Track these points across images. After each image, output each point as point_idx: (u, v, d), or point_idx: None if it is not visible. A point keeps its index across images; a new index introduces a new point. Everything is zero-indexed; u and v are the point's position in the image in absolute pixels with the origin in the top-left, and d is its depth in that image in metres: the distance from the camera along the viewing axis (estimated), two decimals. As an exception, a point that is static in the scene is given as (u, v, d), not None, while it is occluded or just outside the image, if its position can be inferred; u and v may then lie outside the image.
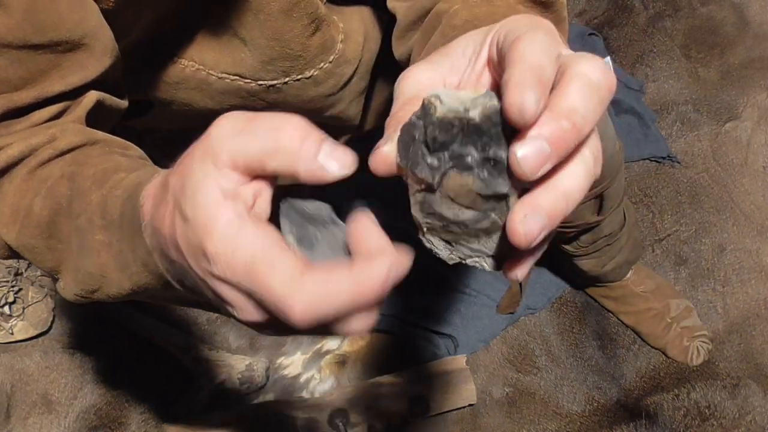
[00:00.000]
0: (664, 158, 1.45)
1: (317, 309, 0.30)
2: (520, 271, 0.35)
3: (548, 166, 0.31)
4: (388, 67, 0.77)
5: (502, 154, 0.32)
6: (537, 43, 0.32)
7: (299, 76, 0.73)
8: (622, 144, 0.94)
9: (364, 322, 0.33)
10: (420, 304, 1.36)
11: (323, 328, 0.33)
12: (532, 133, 0.30)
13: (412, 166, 0.34)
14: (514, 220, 0.32)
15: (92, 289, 0.50)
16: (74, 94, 0.55)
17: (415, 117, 0.34)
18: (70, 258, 0.51)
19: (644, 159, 1.46)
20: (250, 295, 0.33)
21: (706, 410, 1.27)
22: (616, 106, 1.47)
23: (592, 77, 0.31)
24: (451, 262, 0.37)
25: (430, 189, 0.34)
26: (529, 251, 0.35)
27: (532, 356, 1.35)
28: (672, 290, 1.31)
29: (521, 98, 0.30)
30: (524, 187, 0.33)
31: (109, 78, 0.57)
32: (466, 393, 1.30)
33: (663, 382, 1.30)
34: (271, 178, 0.35)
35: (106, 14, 0.55)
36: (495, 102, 0.32)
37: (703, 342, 1.28)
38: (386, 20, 0.79)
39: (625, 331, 1.34)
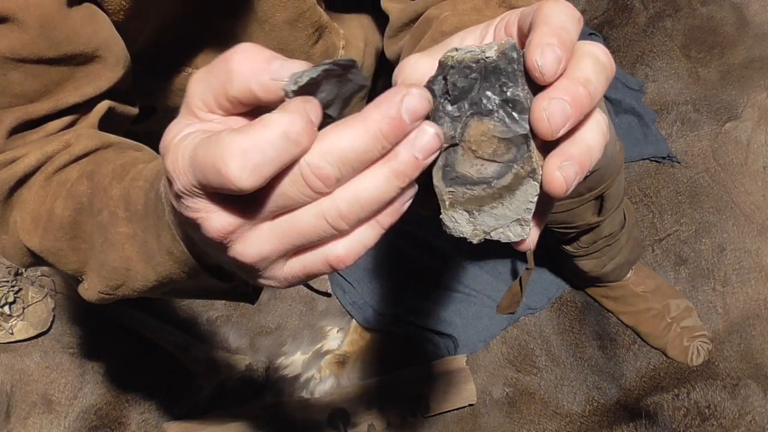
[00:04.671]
0: (664, 158, 1.45)
1: (251, 155, 0.29)
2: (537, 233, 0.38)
3: (568, 126, 0.33)
4: (389, 72, 0.78)
5: (520, 93, 0.34)
6: (560, 5, 0.34)
7: (360, 92, 0.74)
8: (622, 145, 0.94)
9: (320, 160, 0.30)
10: (420, 304, 1.36)
11: (282, 190, 0.31)
12: (556, 94, 0.32)
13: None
14: (551, 168, 0.33)
15: (117, 285, 0.51)
16: (88, 104, 0.56)
17: (431, 77, 0.35)
18: (93, 256, 0.51)
19: (644, 159, 1.46)
20: (202, 187, 0.31)
21: (706, 410, 1.27)
22: (616, 106, 1.47)
23: (601, 57, 0.34)
24: (475, 240, 0.37)
25: (452, 145, 0.35)
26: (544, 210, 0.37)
27: (532, 356, 1.35)
28: (672, 290, 1.31)
29: (542, 57, 0.32)
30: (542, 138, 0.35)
31: (122, 86, 0.58)
32: (466, 393, 1.30)
33: (663, 382, 1.30)
34: (250, 113, 0.34)
35: (115, 26, 0.56)
36: (511, 41, 0.34)
37: (703, 342, 1.29)
38: (385, 26, 0.81)
39: (625, 331, 1.34)
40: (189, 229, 0.35)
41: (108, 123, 0.58)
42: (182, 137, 0.32)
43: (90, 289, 0.53)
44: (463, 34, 0.41)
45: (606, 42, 1.57)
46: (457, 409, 1.31)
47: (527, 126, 0.34)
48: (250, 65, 0.32)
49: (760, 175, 1.43)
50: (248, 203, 0.32)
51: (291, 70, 0.31)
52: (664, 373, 1.30)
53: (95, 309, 1.42)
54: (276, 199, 0.31)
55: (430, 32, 0.56)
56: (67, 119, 0.55)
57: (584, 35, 1.52)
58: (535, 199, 0.35)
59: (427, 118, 0.34)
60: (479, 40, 0.40)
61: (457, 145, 0.35)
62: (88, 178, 0.51)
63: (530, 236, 0.37)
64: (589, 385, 1.32)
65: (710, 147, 1.46)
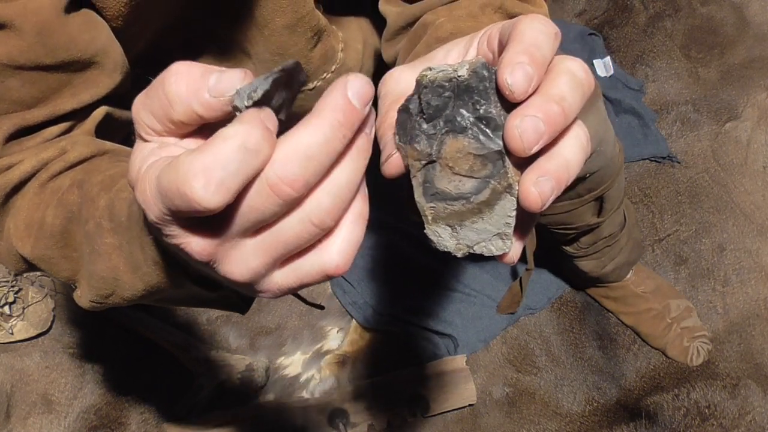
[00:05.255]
0: (664, 158, 1.45)
1: (213, 172, 0.28)
2: (519, 247, 0.38)
3: (542, 144, 0.33)
4: None
5: (493, 110, 0.34)
6: (536, 22, 0.34)
7: (302, 89, 0.74)
8: (622, 146, 0.94)
9: (285, 168, 0.30)
10: (420, 304, 1.36)
11: (250, 203, 0.30)
12: (529, 111, 0.32)
13: (410, 141, 0.35)
14: (527, 184, 0.34)
15: (106, 294, 0.51)
16: (86, 111, 0.56)
17: (409, 95, 0.36)
18: (83, 265, 0.51)
19: (644, 159, 1.46)
20: (172, 214, 0.31)
21: (706, 410, 1.27)
22: (616, 106, 1.47)
23: (577, 74, 0.34)
24: (459, 254, 0.37)
25: (430, 162, 0.35)
26: (528, 221, 0.37)
27: (532, 356, 1.35)
28: (672, 290, 1.31)
29: (511, 76, 0.32)
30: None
31: (119, 92, 0.58)
32: (466, 393, 1.30)
33: (663, 382, 1.30)
34: (204, 133, 0.34)
35: (114, 31, 0.56)
36: (482, 59, 0.35)
37: (703, 342, 1.29)
38: (383, 28, 0.81)
39: (625, 331, 1.34)
40: (178, 252, 0.35)
41: (106, 128, 0.58)
42: (147, 167, 0.32)
43: (82, 297, 0.53)
44: (449, 46, 0.41)
45: (606, 42, 1.57)
46: (457, 409, 1.31)
47: (501, 143, 0.34)
48: (186, 85, 0.31)
49: (760, 175, 1.43)
50: (219, 223, 0.31)
51: (230, 83, 0.31)
52: (664, 373, 1.30)
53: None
54: (246, 214, 0.30)
55: (425, 38, 0.56)
56: (64, 125, 0.55)
57: (584, 35, 1.53)
58: (514, 213, 0.36)
59: (405, 135, 0.35)
60: (464, 52, 0.40)
61: (435, 162, 0.35)
62: (78, 187, 0.51)
63: (512, 250, 0.37)
64: (589, 385, 1.32)
65: (710, 147, 1.46)
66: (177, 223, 0.31)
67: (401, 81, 0.40)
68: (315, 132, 0.30)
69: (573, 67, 0.34)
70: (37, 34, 0.50)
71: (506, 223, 0.36)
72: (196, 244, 0.32)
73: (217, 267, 0.33)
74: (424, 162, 0.36)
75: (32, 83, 0.52)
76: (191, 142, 0.34)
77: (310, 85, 0.74)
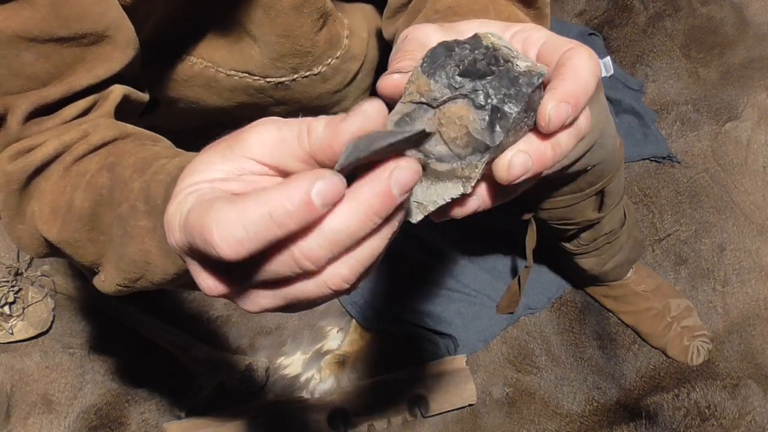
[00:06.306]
0: (664, 158, 1.45)
1: (234, 229, 0.29)
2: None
3: (525, 177, 0.36)
4: None
5: (514, 113, 0.34)
6: (594, 62, 0.36)
7: (307, 73, 0.74)
8: (622, 140, 0.94)
9: (312, 250, 0.30)
10: (420, 304, 1.36)
11: (270, 267, 0.31)
12: (522, 148, 0.36)
13: (431, 74, 0.35)
14: (505, 155, 0.35)
15: (135, 278, 0.51)
16: (101, 87, 0.56)
17: (461, 39, 0.36)
18: (112, 248, 0.51)
19: (644, 159, 1.46)
20: (191, 249, 0.32)
21: (706, 410, 1.27)
22: (616, 106, 1.47)
23: (582, 126, 0.38)
24: None
25: (427, 104, 0.35)
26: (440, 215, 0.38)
27: (532, 356, 1.35)
28: (672, 290, 1.31)
29: (555, 111, 0.35)
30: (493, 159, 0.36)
31: (131, 71, 0.58)
32: (466, 393, 1.30)
33: (663, 382, 1.30)
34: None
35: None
36: (544, 70, 0.35)
37: (703, 342, 1.28)
38: None
39: (625, 331, 1.34)
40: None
41: (123, 111, 0.58)
42: (188, 193, 0.33)
43: (107, 281, 0.53)
44: (478, 22, 0.41)
45: (606, 42, 1.57)
46: (457, 409, 1.31)
47: (497, 141, 0.34)
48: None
49: (760, 175, 1.43)
50: (236, 273, 0.32)
51: (355, 124, 0.31)
52: (664, 373, 1.30)
53: (95, 309, 1.42)
54: (266, 272, 0.31)
55: (424, 11, 0.56)
56: (82, 105, 0.55)
57: (584, 35, 1.53)
58: (449, 201, 0.36)
59: (430, 67, 0.35)
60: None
61: (432, 108, 0.35)
62: (108, 170, 0.51)
63: (417, 222, 0.37)
64: (589, 385, 1.31)
65: (710, 147, 1.46)
66: (194, 257, 0.33)
67: (430, 37, 0.41)
68: (347, 218, 0.30)
69: (582, 122, 0.37)
70: (50, 4, 0.50)
71: (435, 201, 0.36)
72: (208, 281, 0.33)
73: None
74: (422, 100, 0.35)
75: (46, 57, 0.52)
76: (261, 180, 0.34)
77: (315, 71, 0.74)
